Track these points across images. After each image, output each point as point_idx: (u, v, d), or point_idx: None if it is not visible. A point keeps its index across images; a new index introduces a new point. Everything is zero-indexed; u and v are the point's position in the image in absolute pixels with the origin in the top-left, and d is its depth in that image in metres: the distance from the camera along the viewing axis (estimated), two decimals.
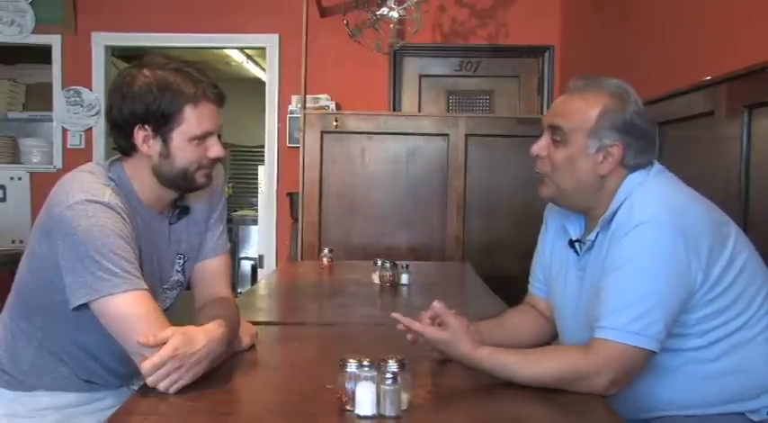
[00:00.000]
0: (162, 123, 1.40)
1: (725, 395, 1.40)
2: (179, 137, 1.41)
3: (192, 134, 1.41)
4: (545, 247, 1.68)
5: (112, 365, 1.53)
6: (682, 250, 1.32)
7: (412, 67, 4.75)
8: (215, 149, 1.45)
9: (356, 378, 1.14)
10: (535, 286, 1.72)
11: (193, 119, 1.40)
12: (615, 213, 1.42)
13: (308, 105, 4.10)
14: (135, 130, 1.41)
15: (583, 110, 1.45)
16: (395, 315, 1.43)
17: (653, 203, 1.37)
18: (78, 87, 4.71)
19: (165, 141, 1.41)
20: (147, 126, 1.40)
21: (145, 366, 1.24)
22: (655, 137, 1.50)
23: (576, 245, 1.54)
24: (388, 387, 1.12)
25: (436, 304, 1.42)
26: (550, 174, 1.49)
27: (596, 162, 1.44)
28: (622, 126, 1.43)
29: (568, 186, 1.48)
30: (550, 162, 1.48)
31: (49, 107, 4.78)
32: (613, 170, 1.45)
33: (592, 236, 1.47)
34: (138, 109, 1.39)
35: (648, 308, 1.29)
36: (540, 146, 1.50)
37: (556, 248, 1.63)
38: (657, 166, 1.48)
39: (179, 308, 1.66)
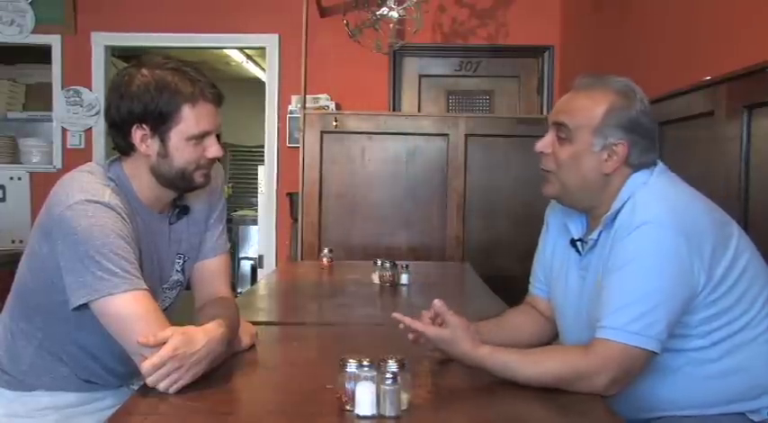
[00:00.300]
0: (160, 123, 1.40)
1: (726, 395, 1.40)
2: (177, 136, 1.41)
3: (189, 134, 1.41)
4: (546, 247, 1.67)
5: (112, 365, 1.53)
6: (684, 250, 1.32)
7: (412, 67, 4.75)
8: (213, 149, 1.45)
9: (356, 378, 1.14)
10: (536, 286, 1.72)
11: (191, 118, 1.40)
12: (618, 213, 1.41)
13: (307, 105, 4.09)
14: (133, 130, 1.41)
15: (589, 107, 1.44)
16: (396, 315, 1.43)
17: (656, 203, 1.37)
18: (78, 87, 4.71)
19: (163, 141, 1.41)
20: (144, 125, 1.40)
21: (145, 366, 1.23)
22: (657, 135, 1.49)
23: (578, 244, 1.54)
24: (387, 387, 1.12)
25: (437, 302, 1.42)
26: (555, 171, 1.48)
27: (601, 160, 1.44)
28: (628, 124, 1.43)
29: (573, 184, 1.47)
30: (555, 159, 1.48)
31: (48, 107, 4.78)
32: (618, 169, 1.44)
33: (594, 235, 1.47)
34: (135, 108, 1.39)
35: (650, 308, 1.29)
36: (545, 143, 1.50)
37: (557, 248, 1.63)
38: (661, 165, 1.48)
39: (179, 308, 1.66)
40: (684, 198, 1.42)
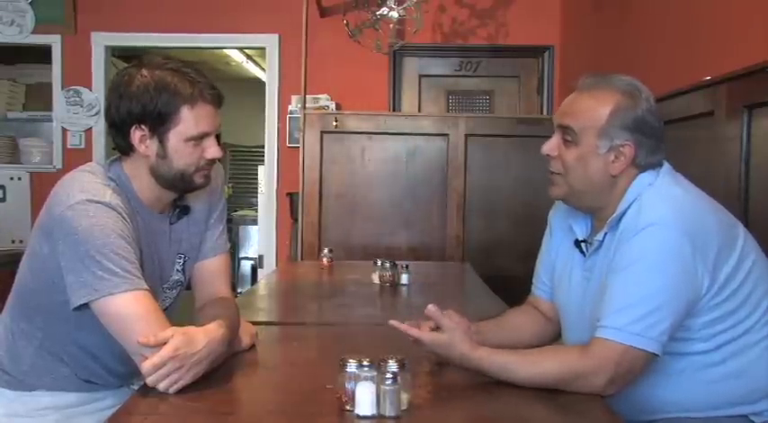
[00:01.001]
0: (158, 123, 1.40)
1: (729, 398, 1.40)
2: (175, 137, 1.41)
3: (188, 135, 1.41)
4: (550, 249, 1.67)
5: (112, 365, 1.53)
6: (688, 251, 1.31)
7: (412, 67, 4.75)
8: (212, 150, 1.45)
9: (356, 378, 1.14)
10: (538, 287, 1.71)
11: (190, 120, 1.40)
12: (624, 214, 1.41)
13: (307, 105, 4.10)
14: (132, 130, 1.41)
15: (593, 108, 1.43)
16: (393, 323, 1.42)
17: (662, 205, 1.36)
18: (78, 87, 4.71)
19: (162, 142, 1.41)
20: (143, 126, 1.40)
21: (145, 366, 1.24)
22: (664, 135, 1.48)
23: (583, 245, 1.53)
24: (387, 387, 1.12)
25: (431, 308, 1.41)
26: (563, 173, 1.47)
27: (608, 162, 1.43)
28: (633, 124, 1.41)
29: (580, 186, 1.46)
30: (562, 162, 1.47)
31: (48, 107, 4.78)
32: (625, 170, 1.43)
33: (600, 236, 1.46)
34: (134, 109, 1.39)
35: (652, 309, 1.28)
36: (551, 146, 1.49)
37: (561, 249, 1.62)
38: (667, 166, 1.46)
39: (179, 308, 1.66)
40: (691, 199, 1.41)
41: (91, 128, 4.73)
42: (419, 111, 4.65)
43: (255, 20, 4.63)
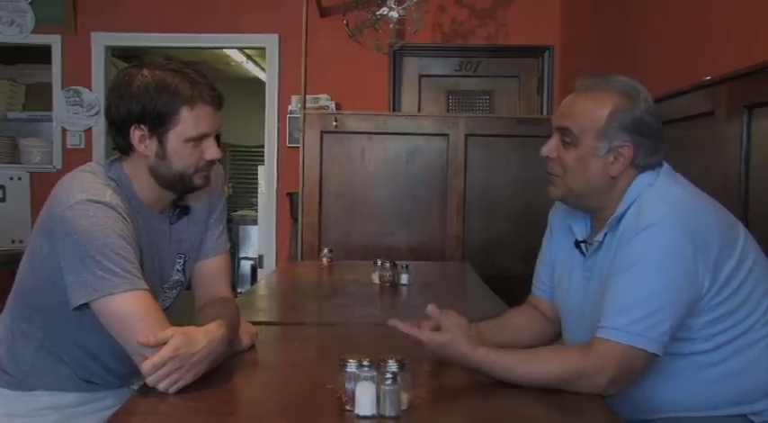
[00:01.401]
0: (158, 124, 1.40)
1: (729, 397, 1.40)
2: (174, 138, 1.41)
3: (187, 135, 1.41)
4: (550, 249, 1.66)
5: (112, 365, 1.53)
6: (689, 251, 1.31)
7: (412, 67, 4.75)
8: (211, 151, 1.45)
9: (356, 378, 1.14)
10: (538, 287, 1.71)
11: (189, 120, 1.40)
12: (624, 215, 1.40)
13: (307, 105, 4.10)
14: (131, 130, 1.41)
15: (592, 109, 1.43)
16: (392, 322, 1.40)
17: (662, 205, 1.36)
18: (78, 87, 4.72)
19: (161, 142, 1.41)
20: (143, 126, 1.40)
21: (145, 366, 1.24)
22: (663, 135, 1.48)
23: (582, 246, 1.53)
24: (387, 387, 1.12)
25: (431, 308, 1.41)
26: (562, 175, 1.47)
27: (607, 163, 1.43)
28: (631, 125, 1.41)
29: (579, 188, 1.46)
30: (561, 164, 1.46)
31: (48, 107, 4.78)
32: (624, 171, 1.43)
33: (600, 237, 1.46)
34: (134, 108, 1.39)
35: (653, 309, 1.28)
36: (550, 148, 1.48)
37: (561, 249, 1.62)
38: (666, 166, 1.46)
39: (179, 308, 1.66)
40: (691, 199, 1.41)
41: (91, 128, 4.74)
42: (419, 111, 4.65)
43: (255, 20, 4.63)
